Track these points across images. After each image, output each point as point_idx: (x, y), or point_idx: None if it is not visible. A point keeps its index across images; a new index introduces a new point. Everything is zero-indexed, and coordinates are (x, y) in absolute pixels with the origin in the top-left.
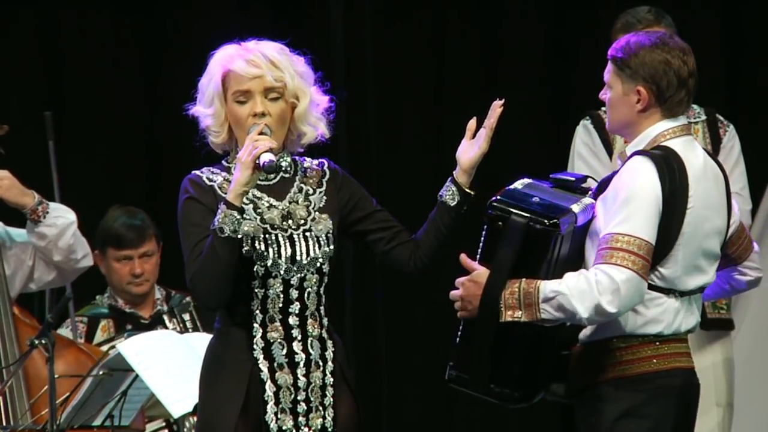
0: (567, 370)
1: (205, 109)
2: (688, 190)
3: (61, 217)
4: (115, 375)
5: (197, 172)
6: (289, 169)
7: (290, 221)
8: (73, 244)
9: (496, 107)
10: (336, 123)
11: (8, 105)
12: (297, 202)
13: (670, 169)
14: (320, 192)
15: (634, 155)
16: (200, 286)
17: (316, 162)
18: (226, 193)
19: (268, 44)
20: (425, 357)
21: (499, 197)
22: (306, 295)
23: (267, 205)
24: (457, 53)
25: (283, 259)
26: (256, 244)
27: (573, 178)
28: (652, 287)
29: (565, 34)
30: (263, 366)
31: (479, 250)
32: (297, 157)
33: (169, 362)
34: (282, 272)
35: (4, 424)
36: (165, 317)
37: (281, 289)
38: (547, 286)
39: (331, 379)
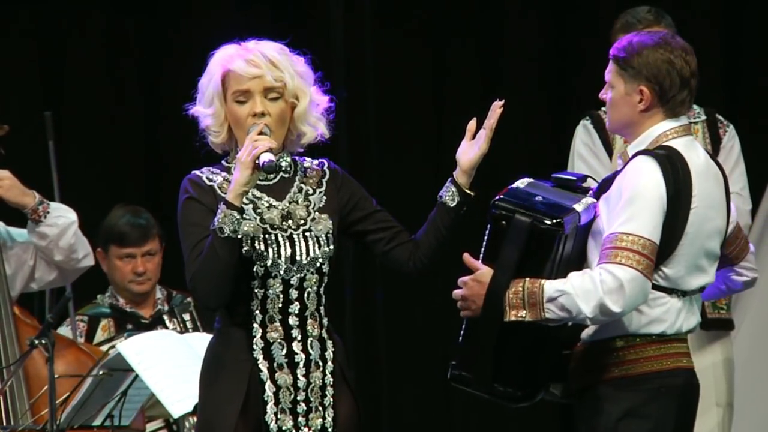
0: (567, 369)
1: (205, 109)
2: (691, 190)
3: (62, 217)
4: (115, 375)
5: (197, 172)
6: (288, 169)
7: (290, 221)
8: (74, 243)
9: (496, 108)
10: (336, 123)
11: (8, 105)
12: (297, 202)
13: (674, 169)
14: (320, 192)
15: (637, 155)
16: (200, 286)
17: (316, 162)
18: (225, 193)
19: (268, 44)
20: (425, 357)
21: (502, 196)
22: (306, 295)
23: (267, 205)
24: (457, 53)
25: (283, 259)
26: (256, 244)
27: (574, 178)
28: (655, 287)
29: (565, 34)
30: (263, 366)
31: (482, 250)
32: (297, 157)
33: (169, 362)
34: (282, 272)
35: (4, 424)
36: (165, 317)
37: (281, 289)
38: (551, 286)
39: (331, 380)
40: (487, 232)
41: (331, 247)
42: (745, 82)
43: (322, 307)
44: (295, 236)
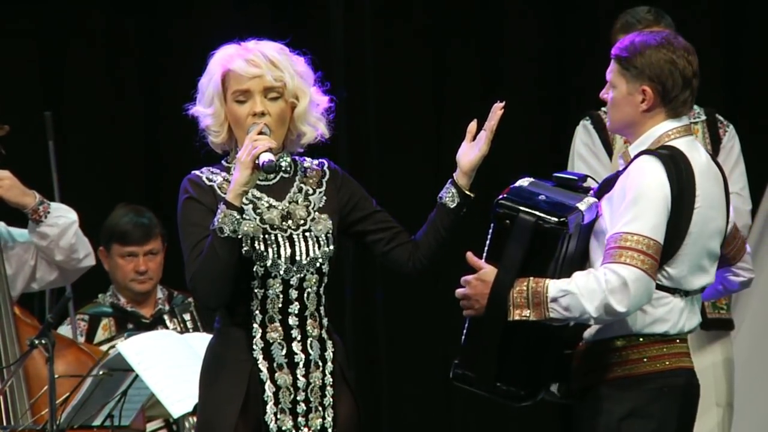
0: (569, 369)
1: (205, 109)
2: (695, 190)
3: (63, 217)
4: (115, 375)
5: (197, 172)
6: (288, 169)
7: (290, 221)
8: (75, 243)
9: (497, 110)
10: (336, 123)
11: (8, 105)
12: (297, 202)
13: (678, 169)
14: (320, 192)
15: (640, 155)
16: (200, 286)
17: (316, 162)
18: (225, 193)
19: (267, 44)
20: (425, 357)
21: (505, 195)
22: (305, 295)
23: (266, 205)
24: (457, 53)
25: (283, 259)
26: (256, 245)
27: (575, 177)
28: (658, 287)
29: (564, 34)
30: (263, 366)
31: (485, 249)
32: (297, 157)
33: (169, 362)
34: (281, 272)
35: (4, 424)
36: (166, 317)
37: (281, 289)
38: (555, 285)
39: (331, 380)
40: (490, 231)
41: (331, 247)
42: (745, 82)
43: (322, 307)
44: (294, 236)
